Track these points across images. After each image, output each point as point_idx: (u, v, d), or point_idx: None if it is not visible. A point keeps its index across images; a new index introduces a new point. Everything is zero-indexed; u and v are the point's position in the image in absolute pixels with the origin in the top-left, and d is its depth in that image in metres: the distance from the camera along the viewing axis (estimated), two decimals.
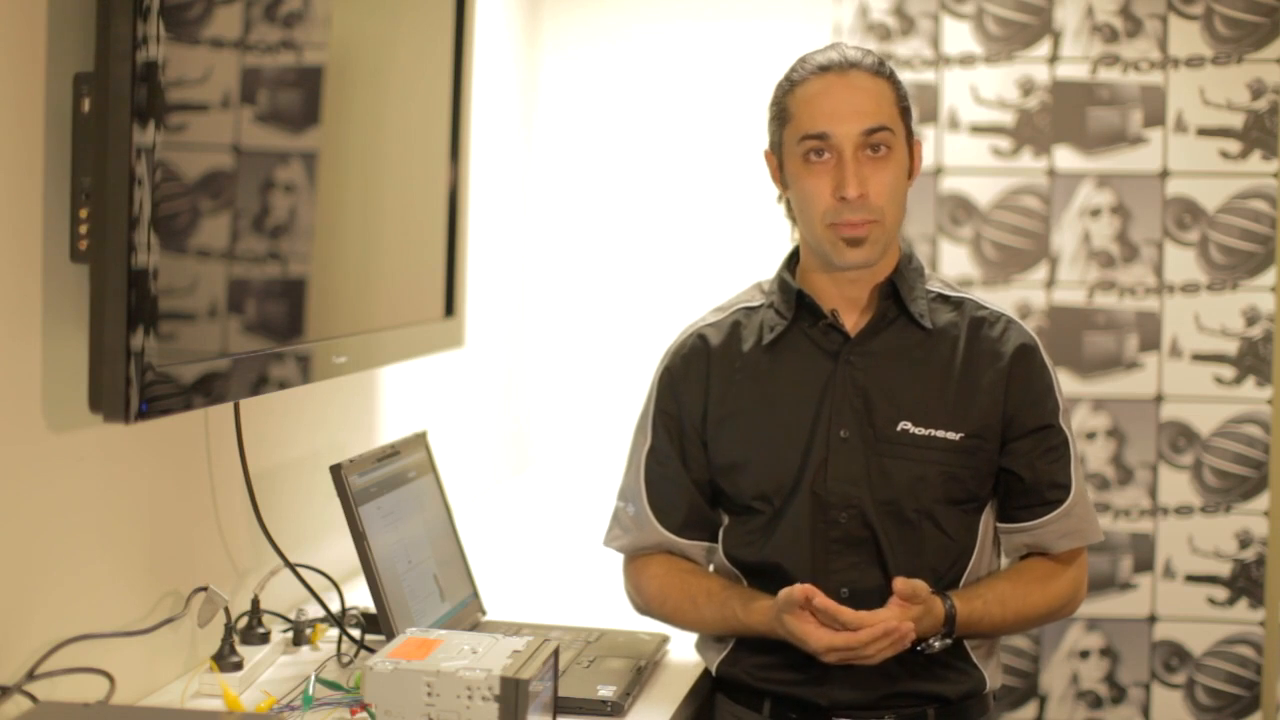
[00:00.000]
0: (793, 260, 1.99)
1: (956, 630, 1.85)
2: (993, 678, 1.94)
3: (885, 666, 1.85)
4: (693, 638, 2.04)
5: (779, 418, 1.92)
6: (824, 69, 1.88)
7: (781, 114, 1.91)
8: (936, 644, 1.85)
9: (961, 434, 1.88)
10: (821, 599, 1.79)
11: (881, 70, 1.89)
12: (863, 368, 1.90)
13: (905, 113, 1.90)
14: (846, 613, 1.78)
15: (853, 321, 1.93)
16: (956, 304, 1.95)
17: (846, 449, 1.88)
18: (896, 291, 1.92)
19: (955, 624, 1.84)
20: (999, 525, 1.95)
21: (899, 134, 1.88)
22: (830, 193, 1.85)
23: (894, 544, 1.87)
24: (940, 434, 1.88)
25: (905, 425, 1.88)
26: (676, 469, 1.97)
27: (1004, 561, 2.01)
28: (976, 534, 1.92)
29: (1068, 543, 1.93)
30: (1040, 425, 1.91)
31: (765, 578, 1.91)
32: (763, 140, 1.98)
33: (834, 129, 1.84)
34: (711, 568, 2.02)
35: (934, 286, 1.96)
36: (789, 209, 1.99)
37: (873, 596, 1.85)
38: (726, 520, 1.98)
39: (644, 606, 2.03)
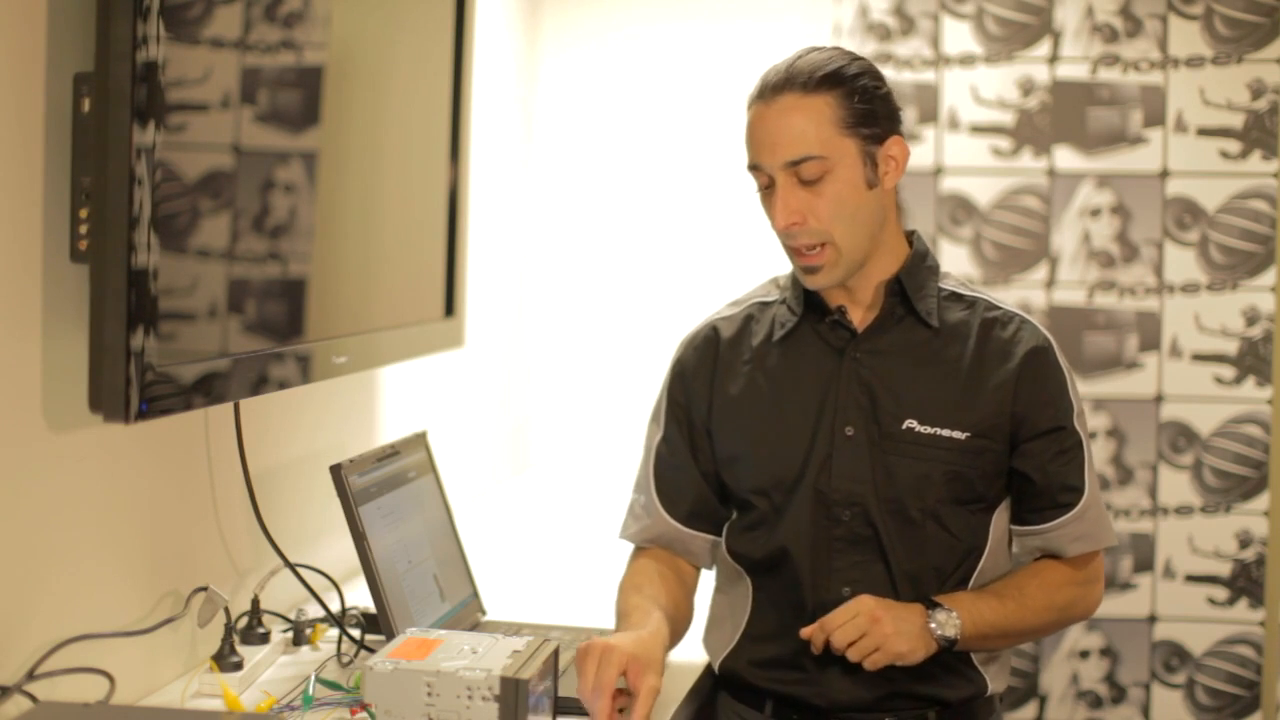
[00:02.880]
0: None
1: (962, 620, 1.82)
2: (995, 682, 1.93)
3: (885, 668, 1.86)
4: (696, 637, 2.04)
5: (783, 412, 1.92)
6: (759, 95, 1.86)
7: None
8: (946, 628, 1.81)
9: (968, 433, 1.88)
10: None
11: (820, 86, 1.80)
12: (869, 365, 1.90)
13: (862, 118, 1.82)
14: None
15: (860, 318, 1.93)
16: (970, 303, 1.94)
17: (851, 446, 1.88)
18: (904, 289, 1.92)
19: (943, 607, 1.82)
20: (1012, 528, 1.94)
21: (838, 153, 1.81)
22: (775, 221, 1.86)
23: (896, 543, 1.87)
24: (946, 433, 1.87)
25: (911, 423, 1.88)
26: (685, 459, 1.98)
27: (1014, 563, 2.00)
28: (986, 535, 1.91)
29: (1080, 546, 1.91)
30: (1053, 427, 1.90)
31: (768, 574, 1.92)
32: None
33: (762, 160, 1.85)
34: (715, 563, 2.02)
35: (948, 285, 1.95)
36: None
37: (876, 595, 1.85)
38: (733, 515, 1.98)
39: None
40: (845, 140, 1.82)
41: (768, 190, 1.86)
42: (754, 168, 1.87)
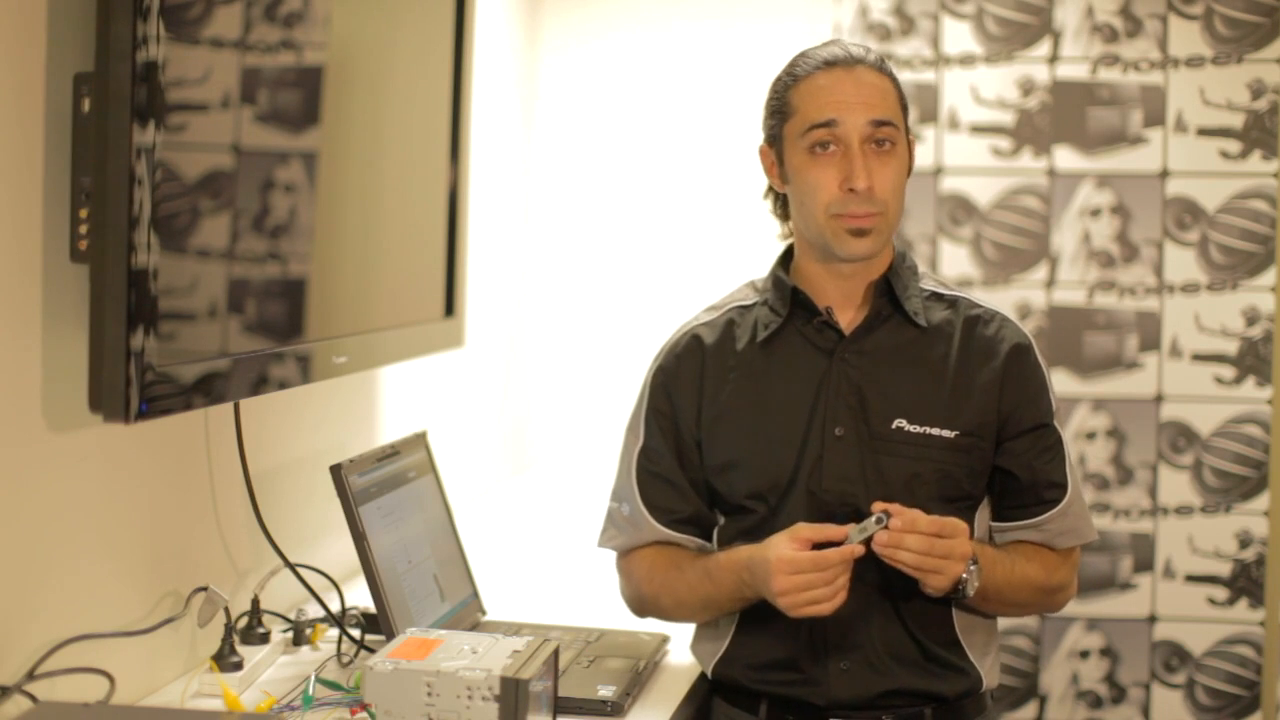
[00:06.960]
0: (786, 258, 1.99)
1: (980, 570, 1.82)
2: (989, 676, 1.94)
3: (881, 664, 1.86)
4: (688, 642, 2.04)
5: (773, 416, 1.92)
6: (829, 63, 1.88)
7: (782, 108, 1.91)
8: (972, 578, 1.81)
9: (956, 432, 1.88)
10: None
11: (884, 68, 1.90)
12: (857, 365, 1.90)
13: (905, 110, 1.92)
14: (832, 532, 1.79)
15: (847, 319, 1.93)
16: (951, 302, 1.95)
17: (842, 447, 1.88)
18: (891, 289, 1.92)
19: (978, 565, 1.81)
20: (994, 525, 1.95)
21: (901, 131, 1.89)
22: (837, 184, 1.85)
23: None
24: (935, 432, 1.88)
25: (900, 423, 1.88)
26: (671, 466, 1.96)
27: None
28: (971, 533, 1.91)
29: (1065, 541, 1.94)
30: (1036, 424, 1.92)
31: None
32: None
33: (843, 117, 1.85)
34: None
35: (928, 285, 1.97)
36: (775, 206, 2.00)
37: (869, 596, 1.86)
38: (721, 520, 1.98)
39: (634, 591, 2.01)
40: (902, 121, 1.90)
41: (824, 155, 1.86)
42: (826, 125, 1.86)
